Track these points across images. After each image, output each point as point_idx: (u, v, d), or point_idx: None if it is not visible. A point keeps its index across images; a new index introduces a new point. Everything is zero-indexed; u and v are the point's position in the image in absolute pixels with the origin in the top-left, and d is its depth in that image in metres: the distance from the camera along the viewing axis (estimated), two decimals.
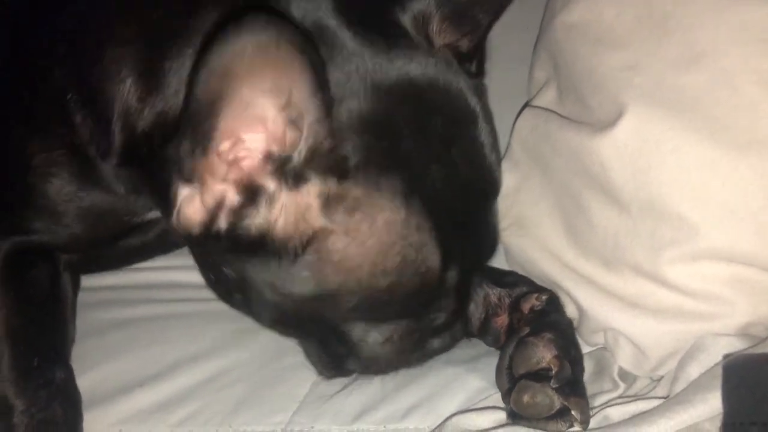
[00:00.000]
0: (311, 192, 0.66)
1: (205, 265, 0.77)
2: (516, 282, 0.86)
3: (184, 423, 0.81)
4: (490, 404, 0.78)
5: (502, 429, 0.73)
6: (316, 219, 0.67)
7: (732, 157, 0.73)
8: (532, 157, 0.88)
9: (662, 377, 0.78)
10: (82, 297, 0.93)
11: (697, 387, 0.70)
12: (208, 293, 0.96)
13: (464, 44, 0.76)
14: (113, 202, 0.84)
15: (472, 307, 0.84)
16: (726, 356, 0.70)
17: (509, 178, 0.90)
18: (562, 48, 0.87)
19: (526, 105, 0.94)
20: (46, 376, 0.79)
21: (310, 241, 0.68)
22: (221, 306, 0.94)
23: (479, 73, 0.79)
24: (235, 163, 0.65)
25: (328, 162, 0.65)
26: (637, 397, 0.76)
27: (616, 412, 0.73)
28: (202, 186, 0.66)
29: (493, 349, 0.84)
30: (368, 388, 0.82)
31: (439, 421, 0.76)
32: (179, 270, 1.01)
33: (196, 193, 0.66)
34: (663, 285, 0.76)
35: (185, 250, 1.01)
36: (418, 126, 0.69)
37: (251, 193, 0.66)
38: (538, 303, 0.82)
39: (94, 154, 0.80)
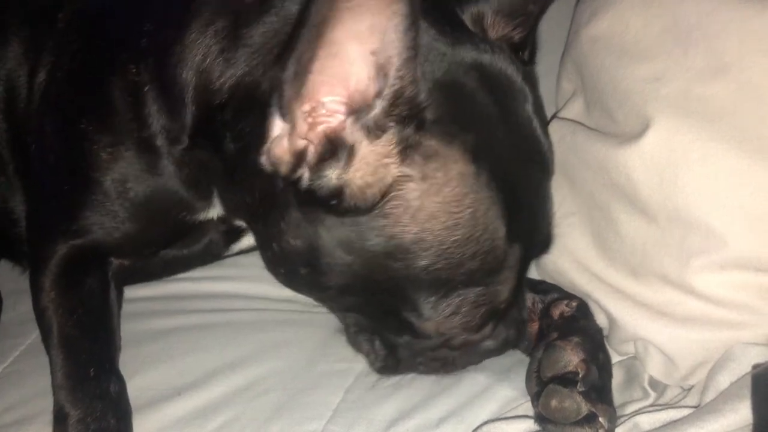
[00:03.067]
0: (390, 140, 0.69)
1: (271, 236, 0.77)
2: (548, 289, 0.87)
3: (220, 430, 0.82)
4: (521, 413, 0.78)
5: None
6: (395, 166, 0.70)
7: (759, 167, 0.74)
8: (560, 168, 0.89)
9: (692, 386, 0.78)
10: None
11: (727, 396, 0.70)
12: (242, 303, 0.99)
13: (516, 36, 0.81)
14: (172, 198, 0.86)
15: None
16: (755, 366, 0.70)
17: None
18: (587, 60, 0.88)
19: (553, 116, 0.95)
20: (102, 386, 0.81)
21: (389, 189, 0.70)
22: (255, 316, 0.96)
23: (530, 62, 0.83)
24: (314, 124, 0.68)
25: (408, 110, 0.68)
26: (667, 406, 0.76)
27: (646, 420, 0.74)
28: (291, 130, 0.68)
29: (524, 359, 0.85)
30: (401, 397, 0.83)
31: (471, 430, 0.77)
32: (214, 280, 1.03)
33: (286, 135, 0.69)
34: (691, 294, 0.77)
35: (220, 261, 1.04)
36: (484, 96, 0.74)
37: (332, 146, 0.69)
38: (567, 309, 0.83)
39: (161, 144, 0.83)
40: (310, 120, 0.68)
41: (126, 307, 0.95)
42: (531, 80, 0.79)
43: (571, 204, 0.87)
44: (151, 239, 0.92)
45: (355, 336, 0.84)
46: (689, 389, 0.78)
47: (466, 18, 0.79)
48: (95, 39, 0.90)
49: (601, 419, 0.73)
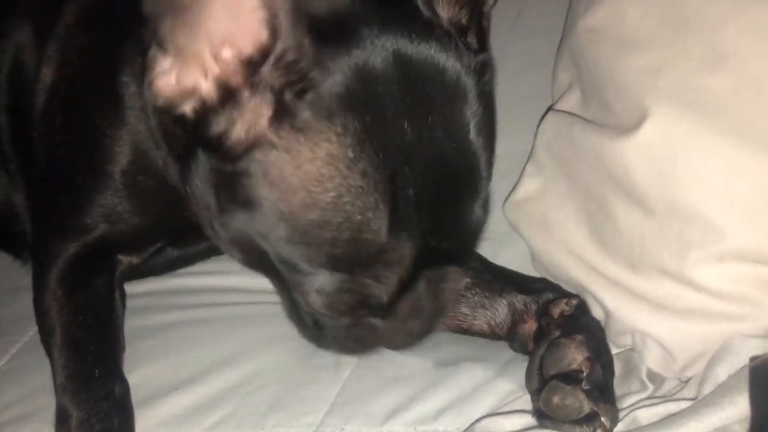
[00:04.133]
0: (269, 100, 0.68)
1: (185, 180, 0.78)
2: (542, 288, 0.86)
3: (217, 426, 0.82)
4: (519, 407, 0.78)
5: None
6: (265, 129, 0.68)
7: (758, 159, 0.73)
8: (556, 160, 0.89)
9: (690, 379, 0.78)
10: None
11: (725, 389, 0.70)
12: (238, 297, 0.99)
13: (464, 17, 0.76)
14: (175, 193, 0.85)
15: (490, 312, 0.85)
16: (753, 358, 0.70)
17: (534, 182, 0.91)
18: (584, 51, 0.88)
19: (550, 108, 0.94)
20: (107, 388, 0.81)
21: (255, 146, 0.69)
22: (251, 310, 0.96)
23: (481, 49, 0.78)
24: (216, 60, 0.67)
25: (290, 76, 0.66)
26: (665, 399, 0.76)
27: (645, 414, 0.74)
28: (182, 65, 0.67)
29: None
30: (398, 390, 0.83)
31: (469, 424, 0.77)
32: (209, 275, 1.03)
33: (173, 70, 0.68)
34: (690, 286, 0.76)
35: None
36: (399, 86, 0.69)
37: (222, 91, 0.68)
38: (567, 308, 0.82)
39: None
40: (213, 53, 0.66)
41: None
42: (478, 73, 0.73)
43: (567, 196, 0.87)
44: (159, 233, 0.92)
45: (284, 302, 0.83)
46: (687, 381, 0.78)
47: None
48: (104, 34, 0.90)
49: (603, 419, 0.72)
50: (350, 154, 0.67)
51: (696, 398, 0.73)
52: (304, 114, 0.67)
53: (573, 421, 0.73)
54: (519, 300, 0.85)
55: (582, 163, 0.85)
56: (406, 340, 0.81)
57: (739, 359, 0.72)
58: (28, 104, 0.96)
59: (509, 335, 0.86)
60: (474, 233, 0.76)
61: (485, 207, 0.75)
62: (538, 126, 0.93)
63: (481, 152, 0.73)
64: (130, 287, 0.98)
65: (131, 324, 0.93)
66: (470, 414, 0.78)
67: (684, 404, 0.72)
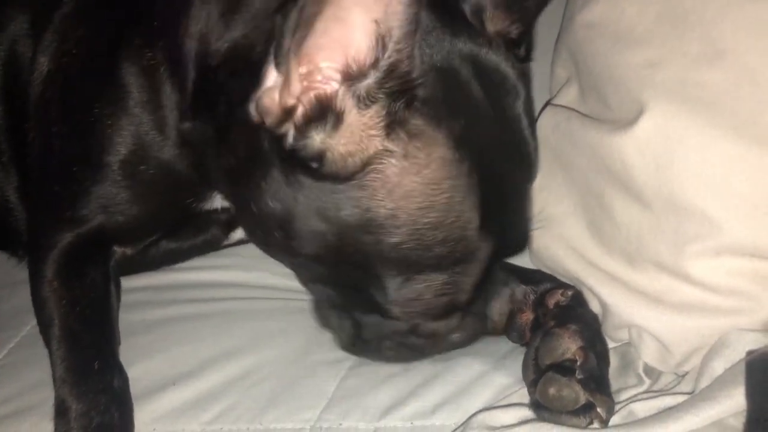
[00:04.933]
0: (379, 113, 0.69)
1: (252, 198, 0.77)
2: (540, 279, 0.87)
3: (215, 420, 0.83)
4: (516, 400, 0.78)
5: (526, 425, 0.74)
6: (379, 140, 0.70)
7: (755, 153, 0.74)
8: (554, 155, 0.89)
9: (687, 373, 0.78)
10: None
11: (722, 383, 0.70)
12: (236, 292, 0.99)
13: (513, 31, 0.81)
14: (179, 181, 0.87)
15: (496, 305, 0.85)
16: (749, 352, 0.70)
17: None
18: (582, 46, 0.88)
19: (548, 103, 0.94)
20: (106, 380, 0.81)
21: (370, 161, 0.70)
22: (249, 305, 0.96)
23: (526, 59, 0.84)
24: (308, 88, 0.68)
25: (400, 85, 0.68)
26: (662, 393, 0.77)
27: (641, 407, 0.74)
28: (284, 83, 0.68)
29: (519, 346, 0.85)
30: (396, 385, 0.83)
31: (466, 418, 0.77)
32: (208, 270, 1.03)
33: (277, 88, 0.69)
34: (687, 281, 0.76)
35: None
36: (475, 89, 0.75)
37: (322, 109, 0.69)
38: (563, 298, 0.83)
39: (172, 123, 0.84)
40: (305, 83, 0.68)
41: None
42: (525, 78, 0.80)
43: (565, 191, 0.87)
44: (156, 224, 0.92)
45: (323, 311, 0.84)
46: (684, 375, 0.78)
47: (466, 9, 0.80)
48: (102, 23, 0.90)
49: (599, 409, 0.73)
50: (457, 156, 0.71)
51: (693, 392, 0.74)
52: (417, 121, 0.70)
53: (570, 412, 0.73)
54: (519, 290, 0.86)
55: (580, 157, 0.85)
56: (475, 336, 0.84)
57: (735, 353, 0.73)
58: (23, 95, 0.95)
59: (508, 326, 0.86)
60: (529, 223, 0.81)
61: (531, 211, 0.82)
62: (536, 121, 0.93)
63: (535, 147, 0.80)
64: (129, 281, 0.98)
65: (130, 318, 0.93)
66: (467, 408, 0.79)
67: (680, 398, 0.72)
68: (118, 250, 0.92)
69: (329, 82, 0.68)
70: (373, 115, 0.69)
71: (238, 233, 1.00)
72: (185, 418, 0.83)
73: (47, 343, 0.85)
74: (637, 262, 0.79)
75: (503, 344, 0.86)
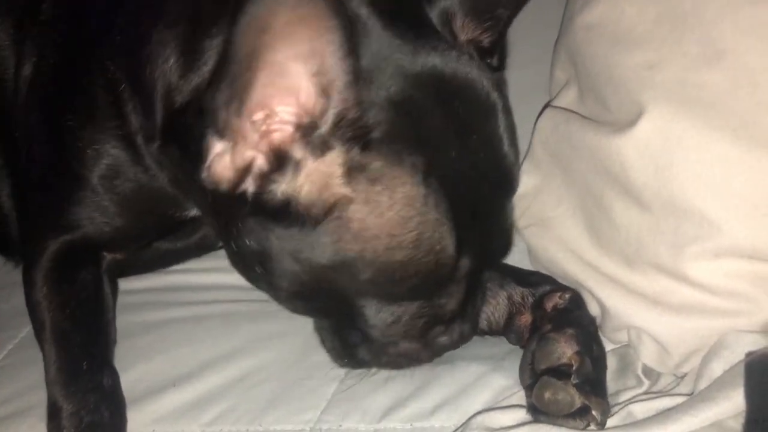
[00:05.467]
0: (335, 160, 0.68)
1: (229, 235, 0.77)
2: (539, 281, 0.87)
3: (215, 422, 0.83)
4: (515, 402, 0.78)
5: (525, 427, 0.74)
6: (339, 187, 0.69)
7: (754, 154, 0.73)
8: (553, 157, 0.89)
9: (686, 374, 0.78)
10: None
11: (720, 384, 0.70)
12: (236, 294, 0.99)
13: (486, 39, 0.79)
14: (158, 194, 0.86)
15: (491, 307, 0.86)
16: (748, 354, 0.71)
17: (531, 179, 0.91)
18: (581, 48, 0.88)
19: (547, 105, 0.94)
20: (96, 380, 0.81)
21: (332, 208, 0.70)
22: (249, 307, 0.96)
23: (500, 68, 0.81)
24: (266, 132, 0.67)
25: (353, 132, 0.67)
26: (661, 394, 0.77)
27: (640, 409, 0.74)
28: (234, 146, 0.68)
29: (518, 348, 0.85)
30: (395, 386, 0.83)
31: (465, 419, 0.77)
32: (207, 272, 1.03)
33: (228, 152, 0.68)
34: (686, 282, 0.76)
35: (214, 252, 1.04)
36: (441, 112, 0.72)
37: (279, 160, 0.68)
38: (561, 301, 0.83)
39: (141, 143, 0.83)
40: (263, 128, 0.67)
41: (119, 300, 0.95)
42: (499, 88, 0.77)
43: (564, 192, 0.87)
44: (142, 233, 0.92)
45: (319, 330, 0.85)
46: (683, 377, 0.78)
47: (434, 17, 0.76)
48: (77, 32, 0.90)
49: (594, 412, 0.73)
50: (423, 191, 0.70)
51: (691, 394, 0.74)
52: (376, 164, 0.69)
53: (566, 416, 0.73)
54: (517, 292, 0.86)
55: (579, 159, 0.85)
56: (466, 339, 0.83)
57: (734, 355, 0.73)
58: (9, 103, 0.95)
59: (506, 328, 0.86)
60: (510, 234, 0.80)
61: (513, 215, 0.80)
62: (535, 123, 0.93)
63: (514, 161, 0.77)
64: (129, 283, 0.98)
65: (130, 320, 0.93)
66: (466, 410, 0.79)
67: (679, 399, 0.72)
68: (108, 255, 0.92)
69: (284, 127, 0.67)
70: (330, 163, 0.68)
71: None
72: (185, 419, 0.83)
73: (40, 346, 0.86)
74: (636, 264, 0.79)
75: (502, 346, 0.86)
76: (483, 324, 0.87)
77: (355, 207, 0.69)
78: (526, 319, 0.84)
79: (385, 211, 0.70)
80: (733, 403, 0.67)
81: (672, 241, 0.77)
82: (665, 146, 0.76)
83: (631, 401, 0.76)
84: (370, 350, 0.80)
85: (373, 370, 0.84)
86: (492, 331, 0.87)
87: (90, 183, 0.86)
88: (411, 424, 0.79)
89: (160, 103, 0.79)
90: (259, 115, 0.66)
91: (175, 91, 0.77)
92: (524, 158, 0.94)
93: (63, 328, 0.85)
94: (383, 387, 0.83)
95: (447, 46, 0.74)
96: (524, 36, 1.17)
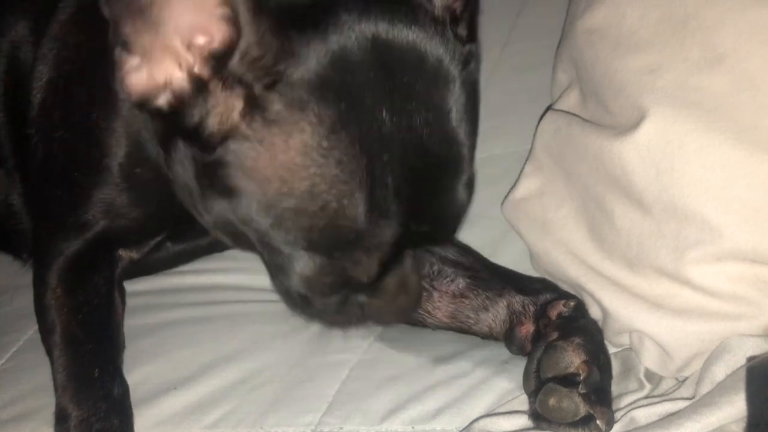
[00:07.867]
0: (240, 94, 0.68)
1: (168, 164, 0.78)
2: (541, 289, 0.86)
3: (217, 425, 0.83)
4: (518, 406, 0.78)
5: None
6: (237, 122, 0.69)
7: (756, 158, 0.73)
8: (555, 160, 0.89)
9: (687, 378, 0.78)
10: None
11: (723, 389, 0.70)
12: (237, 296, 0.99)
13: (458, 7, 0.76)
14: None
15: (490, 315, 0.85)
16: (750, 358, 0.70)
17: (533, 181, 0.91)
18: (583, 51, 0.88)
19: (549, 108, 0.94)
20: (106, 387, 0.81)
21: (227, 140, 0.69)
22: (250, 308, 0.96)
23: (470, 39, 0.78)
24: (188, 52, 0.68)
25: (262, 71, 0.67)
26: (663, 398, 0.76)
27: (643, 414, 0.74)
28: (150, 61, 0.68)
29: None
30: (397, 389, 0.83)
31: (467, 423, 0.77)
32: (208, 273, 1.03)
33: (144, 66, 0.68)
34: (687, 286, 0.76)
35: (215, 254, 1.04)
36: (379, 75, 0.69)
37: (196, 83, 0.69)
38: (565, 309, 0.82)
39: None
40: (179, 50, 0.67)
41: None
42: (464, 62, 0.73)
43: (566, 196, 0.87)
44: (160, 225, 0.92)
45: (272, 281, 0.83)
46: (684, 380, 0.78)
47: None
48: (98, 30, 0.90)
49: (598, 422, 0.72)
50: (324, 144, 0.68)
51: (693, 398, 0.73)
52: (276, 106, 0.68)
53: (568, 424, 0.73)
54: (517, 301, 0.85)
55: (580, 162, 0.85)
56: (394, 315, 0.82)
57: (736, 359, 0.73)
58: (25, 102, 0.96)
59: (507, 337, 0.85)
60: (457, 214, 0.76)
61: (469, 188, 0.75)
62: (537, 126, 0.93)
63: (463, 138, 0.73)
64: (130, 286, 0.98)
65: (131, 322, 0.93)
66: (468, 413, 0.78)
67: (681, 404, 0.72)
68: (125, 255, 0.92)
69: (197, 53, 0.67)
70: (235, 97, 0.68)
71: None
72: (186, 422, 0.83)
73: (48, 350, 0.86)
74: (637, 267, 0.79)
75: (505, 349, 0.86)
76: (485, 329, 0.87)
77: (248, 145, 0.69)
78: (527, 329, 0.84)
79: (278, 155, 0.68)
80: (735, 407, 0.67)
81: (673, 244, 0.77)
82: (666, 150, 0.76)
83: (633, 406, 0.75)
84: (303, 300, 0.79)
85: (376, 370, 0.84)
86: (492, 337, 0.87)
87: (111, 173, 0.88)
88: (413, 427, 0.79)
89: None
90: (175, 40, 0.66)
91: None
92: (526, 161, 0.94)
93: (75, 333, 0.85)
94: (385, 389, 0.83)
95: (408, 9, 0.72)
96: (526, 40, 1.18)
